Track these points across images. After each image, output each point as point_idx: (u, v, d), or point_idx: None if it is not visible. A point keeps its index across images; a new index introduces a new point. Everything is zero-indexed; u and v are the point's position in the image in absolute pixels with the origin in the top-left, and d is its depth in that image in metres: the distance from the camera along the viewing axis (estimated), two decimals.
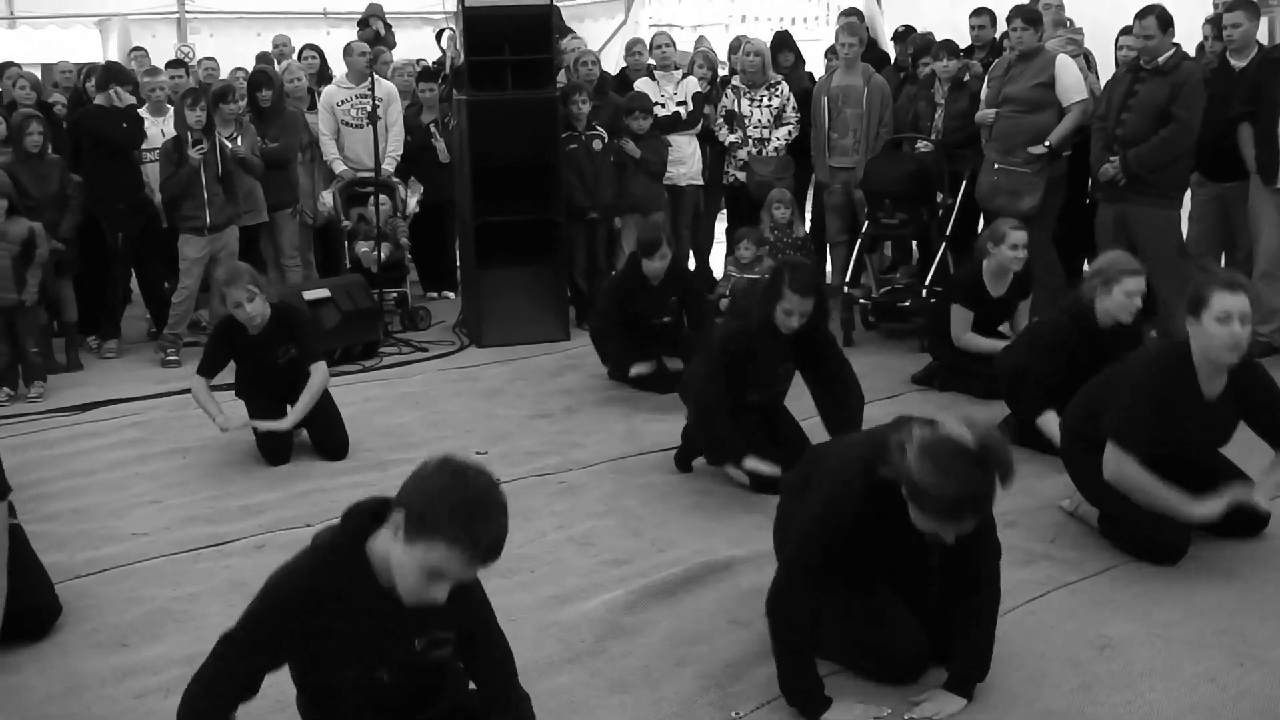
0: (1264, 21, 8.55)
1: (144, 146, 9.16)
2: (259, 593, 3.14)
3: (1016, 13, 8.62)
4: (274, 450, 6.59)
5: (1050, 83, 8.48)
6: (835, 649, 4.18)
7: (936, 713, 3.91)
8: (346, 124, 10.08)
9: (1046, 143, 8.40)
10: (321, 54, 11.55)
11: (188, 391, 7.29)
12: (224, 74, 11.73)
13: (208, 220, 8.69)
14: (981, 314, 7.57)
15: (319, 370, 6.65)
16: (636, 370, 7.69)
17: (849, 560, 3.94)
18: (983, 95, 8.95)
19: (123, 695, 4.17)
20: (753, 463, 5.80)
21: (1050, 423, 5.96)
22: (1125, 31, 8.81)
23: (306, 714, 3.37)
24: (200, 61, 12.40)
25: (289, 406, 6.65)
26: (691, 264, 10.31)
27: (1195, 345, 4.82)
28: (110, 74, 9.23)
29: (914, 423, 3.60)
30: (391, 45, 11.96)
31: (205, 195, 8.65)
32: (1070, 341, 6.14)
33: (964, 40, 9.89)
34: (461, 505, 2.88)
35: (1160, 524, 4.90)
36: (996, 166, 8.60)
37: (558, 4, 10.23)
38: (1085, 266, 8.81)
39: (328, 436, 6.70)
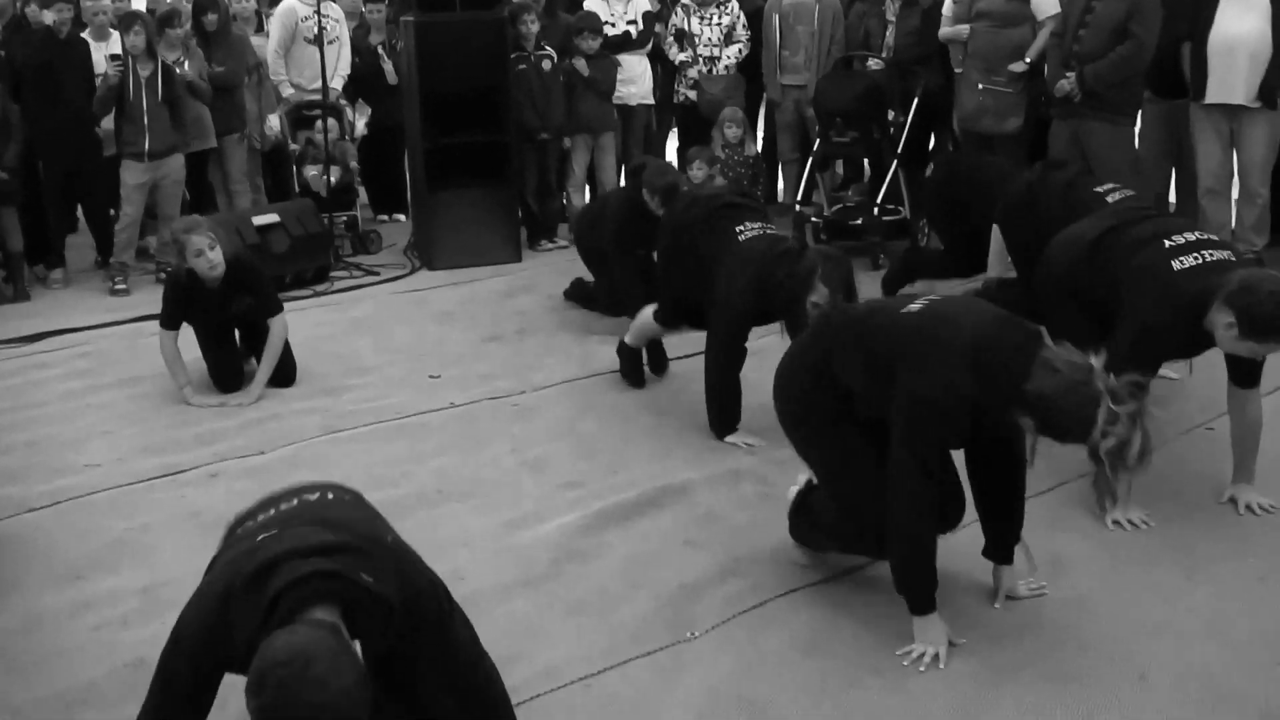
0: None
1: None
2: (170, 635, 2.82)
3: None
4: (226, 378, 6.56)
5: None
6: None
7: (1012, 589, 4.15)
8: (308, 40, 9.88)
9: (1026, 58, 8.37)
10: None
11: (138, 320, 7.26)
12: None
13: (146, 146, 8.55)
14: None
15: (278, 323, 6.51)
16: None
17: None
18: (947, 10, 8.88)
19: (81, 628, 4.17)
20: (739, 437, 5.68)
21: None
22: None
23: None
24: None
25: (253, 359, 6.67)
26: None
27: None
28: None
29: None
30: None
31: (145, 120, 8.53)
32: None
33: None
34: None
35: None
36: (981, 87, 8.53)
37: None
38: None
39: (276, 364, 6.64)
